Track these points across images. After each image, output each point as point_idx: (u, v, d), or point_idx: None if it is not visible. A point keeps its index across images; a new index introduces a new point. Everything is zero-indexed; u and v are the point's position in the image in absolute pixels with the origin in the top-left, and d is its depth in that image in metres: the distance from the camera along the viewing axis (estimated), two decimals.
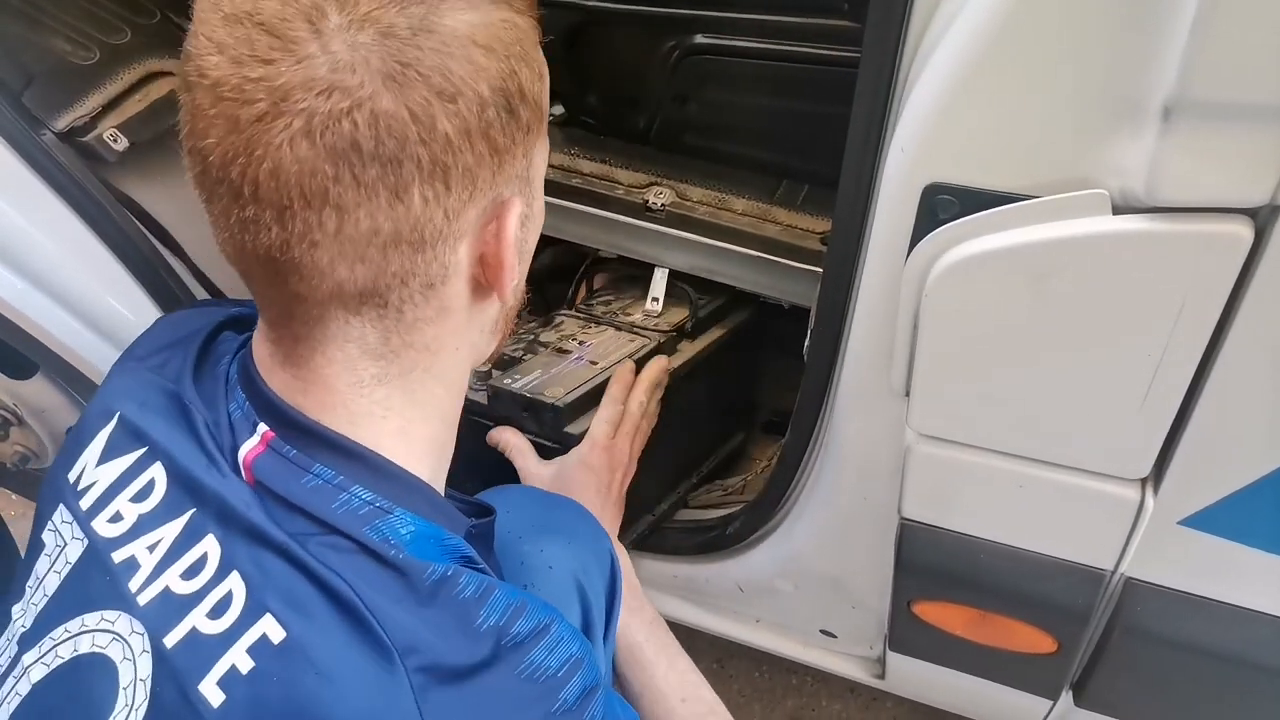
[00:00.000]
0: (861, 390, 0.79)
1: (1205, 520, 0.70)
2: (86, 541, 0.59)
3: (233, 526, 0.55)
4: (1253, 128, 0.51)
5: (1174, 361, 0.62)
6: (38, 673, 0.57)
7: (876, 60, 0.64)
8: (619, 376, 0.95)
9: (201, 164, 0.50)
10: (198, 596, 0.54)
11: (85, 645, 0.56)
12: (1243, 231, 0.55)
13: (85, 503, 0.60)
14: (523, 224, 0.58)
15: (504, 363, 1.00)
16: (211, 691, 0.51)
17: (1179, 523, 0.71)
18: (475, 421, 0.96)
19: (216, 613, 0.53)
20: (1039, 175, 0.59)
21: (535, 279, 1.36)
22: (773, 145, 1.01)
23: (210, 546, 0.55)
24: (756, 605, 1.11)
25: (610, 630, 0.83)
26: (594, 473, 0.90)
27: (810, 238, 1.00)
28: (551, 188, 1.07)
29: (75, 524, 0.60)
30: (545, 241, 1.20)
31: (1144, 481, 0.71)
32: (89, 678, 0.55)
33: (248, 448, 0.57)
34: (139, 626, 0.55)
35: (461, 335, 0.59)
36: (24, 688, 0.58)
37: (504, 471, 0.94)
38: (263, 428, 0.57)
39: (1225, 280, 0.57)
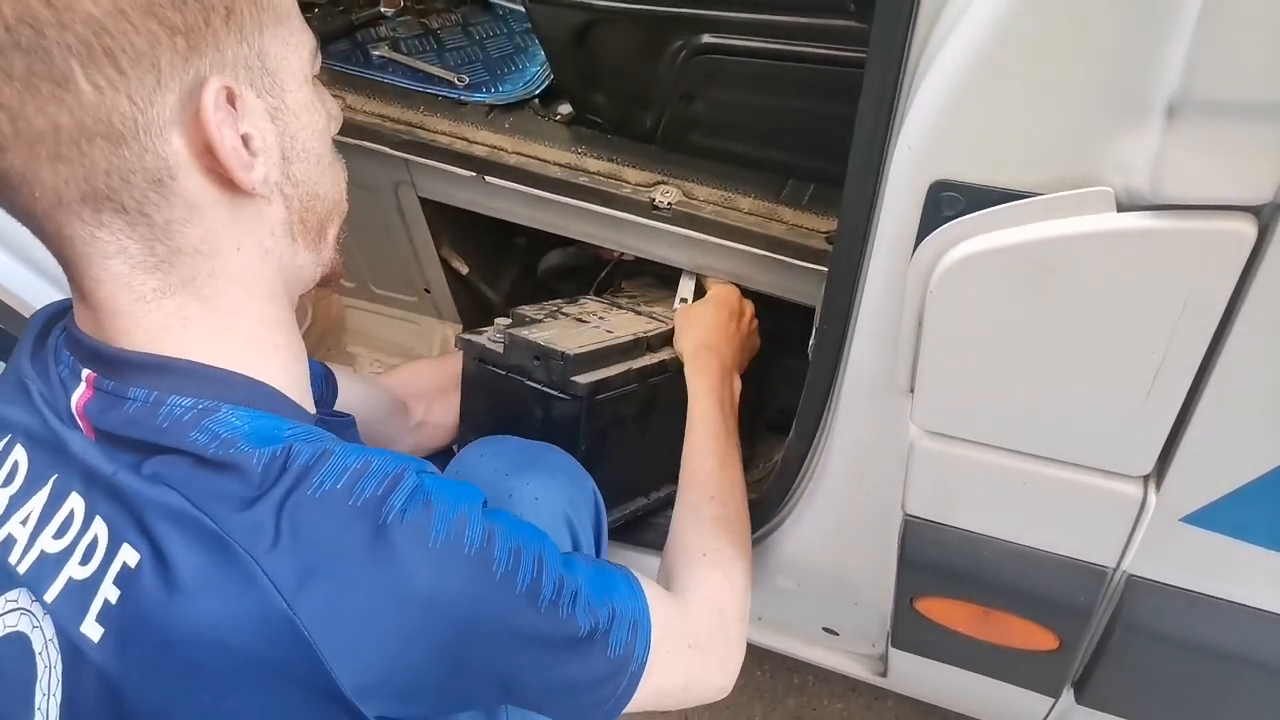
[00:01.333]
0: (866, 387, 0.80)
1: (1207, 517, 0.70)
2: None
3: (84, 477, 0.57)
4: (1257, 125, 0.51)
5: (1177, 358, 0.62)
6: None
7: (883, 59, 0.64)
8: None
9: None
10: (70, 549, 0.56)
11: None
12: (1246, 229, 0.55)
13: None
14: (272, 118, 0.56)
15: (525, 321, 1.05)
16: (91, 629, 0.54)
17: (1181, 520, 0.71)
18: (492, 371, 1.00)
19: (86, 558, 0.55)
20: (1044, 172, 0.59)
21: (543, 279, 1.39)
22: (779, 144, 1.01)
23: (75, 503, 0.57)
24: (759, 602, 1.11)
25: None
26: (722, 306, 1.05)
27: (816, 237, 1.00)
28: (558, 186, 1.08)
29: None
30: (555, 241, 1.22)
31: (1146, 478, 0.71)
32: (9, 656, 0.57)
33: (76, 397, 0.57)
34: (30, 596, 0.57)
35: (236, 233, 0.57)
36: None
37: (519, 423, 0.97)
38: (86, 372, 0.57)
39: (1228, 277, 0.58)
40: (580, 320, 1.07)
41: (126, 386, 0.56)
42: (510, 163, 1.09)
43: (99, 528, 0.55)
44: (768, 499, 0.98)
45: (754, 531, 1.01)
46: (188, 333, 0.57)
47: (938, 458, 0.76)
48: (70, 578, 0.55)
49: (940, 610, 0.88)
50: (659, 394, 1.04)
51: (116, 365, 0.57)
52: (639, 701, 0.66)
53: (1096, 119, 0.56)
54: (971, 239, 0.62)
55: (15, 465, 0.60)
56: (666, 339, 1.07)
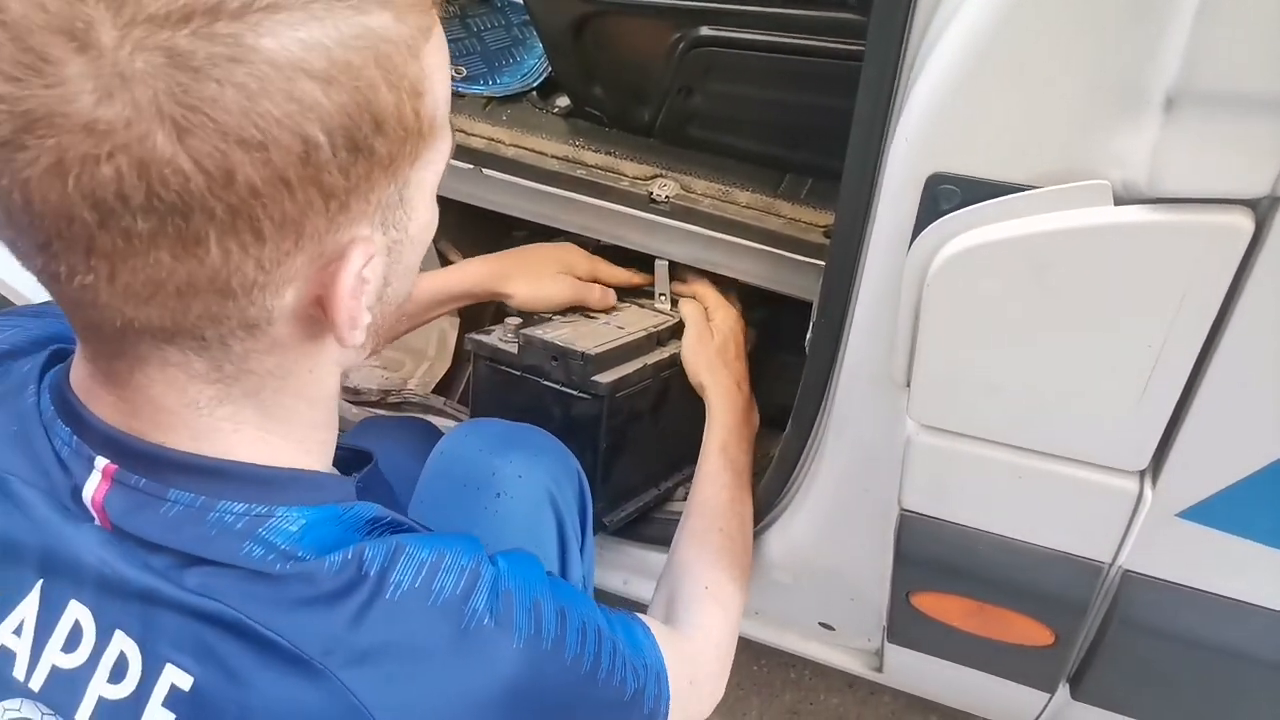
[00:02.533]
0: (863, 382, 0.79)
1: (1204, 513, 0.70)
2: None
3: (95, 584, 0.50)
4: (1255, 118, 0.51)
5: (1174, 353, 0.62)
6: None
7: (881, 52, 0.64)
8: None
9: None
10: (90, 666, 0.50)
11: None
12: (1243, 223, 0.55)
13: None
14: (389, 252, 0.50)
15: (532, 321, 1.04)
16: None
17: (1177, 515, 0.71)
18: (505, 372, 1.00)
19: (116, 677, 0.50)
20: (1041, 166, 0.59)
21: None
22: (777, 138, 1.01)
23: (78, 612, 0.51)
24: (755, 597, 1.11)
25: (585, 539, 0.87)
26: (715, 326, 1.07)
27: (814, 231, 1.00)
28: (556, 179, 1.08)
29: None
30: (551, 234, 1.21)
31: (1142, 473, 0.71)
32: None
33: (91, 487, 0.50)
34: (46, 708, 0.51)
35: (314, 360, 0.52)
36: None
37: (536, 424, 0.96)
38: (101, 461, 0.50)
39: (1225, 271, 0.58)
40: (588, 317, 1.07)
41: (166, 487, 0.49)
42: (508, 155, 1.09)
43: (123, 643, 0.50)
44: (764, 493, 0.98)
45: (753, 525, 1.02)
46: (238, 435, 0.51)
47: (934, 452, 0.76)
48: (101, 697, 0.50)
49: (936, 605, 0.88)
50: (670, 386, 1.05)
51: (153, 462, 0.50)
52: None
53: (1094, 112, 0.56)
54: (968, 232, 0.62)
55: None
56: (675, 331, 1.08)
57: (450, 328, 1.42)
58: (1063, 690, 0.93)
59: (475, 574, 0.54)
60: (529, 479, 0.79)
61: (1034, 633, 0.84)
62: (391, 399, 1.33)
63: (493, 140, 1.10)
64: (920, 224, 0.64)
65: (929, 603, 0.89)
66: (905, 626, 0.94)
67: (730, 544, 0.89)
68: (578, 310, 1.09)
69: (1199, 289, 0.59)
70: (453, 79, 1.14)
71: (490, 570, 0.55)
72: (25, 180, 0.39)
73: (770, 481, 0.97)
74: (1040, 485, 0.74)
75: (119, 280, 0.43)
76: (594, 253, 1.23)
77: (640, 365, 1.00)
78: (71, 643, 0.51)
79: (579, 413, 0.97)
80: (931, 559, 0.84)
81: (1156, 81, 0.52)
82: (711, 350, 1.05)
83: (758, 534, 1.02)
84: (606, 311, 1.09)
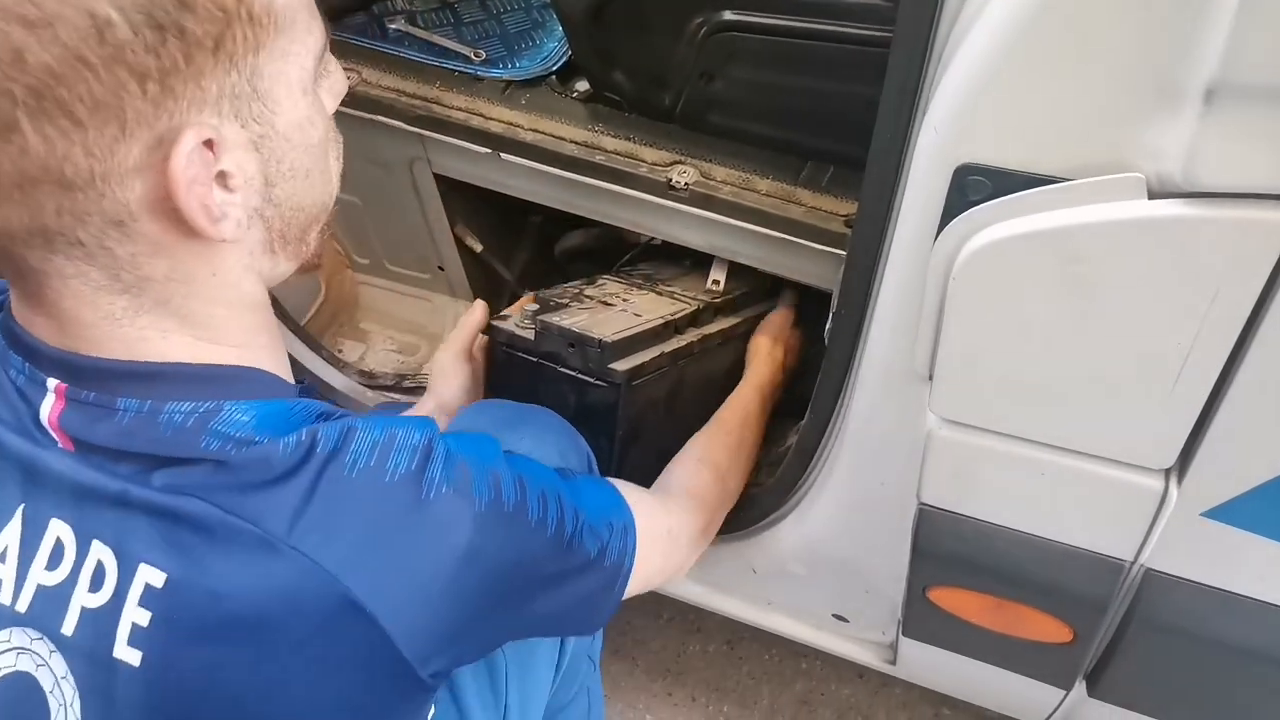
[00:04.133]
0: (883, 373, 0.79)
1: (1230, 513, 0.69)
2: None
3: (73, 498, 0.53)
4: None
5: (1205, 350, 0.61)
6: None
7: (909, 38, 0.63)
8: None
9: None
10: (71, 580, 0.53)
11: None
12: None
13: None
14: (257, 147, 0.50)
15: (551, 306, 1.04)
16: (125, 653, 0.52)
17: (1202, 514, 0.70)
18: (522, 358, 0.99)
19: (95, 585, 0.52)
20: (1073, 158, 0.58)
21: (560, 259, 1.38)
22: (799, 125, 1.00)
23: (59, 529, 0.53)
24: (769, 587, 1.11)
25: None
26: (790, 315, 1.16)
27: (834, 220, 0.99)
28: (574, 164, 1.07)
29: None
30: (570, 220, 1.21)
31: (1168, 472, 0.70)
32: (15, 698, 0.55)
33: (47, 409, 0.52)
34: (33, 632, 0.54)
35: (210, 263, 0.53)
36: None
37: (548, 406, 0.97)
38: (52, 382, 0.52)
39: (1261, 268, 0.56)
40: (606, 304, 1.06)
41: (113, 398, 0.52)
42: (526, 140, 1.08)
43: (100, 552, 0.52)
44: (780, 484, 0.98)
45: (766, 515, 1.01)
46: (168, 341, 0.53)
47: (955, 447, 0.75)
48: (83, 607, 0.53)
49: (953, 600, 0.88)
50: (686, 375, 1.05)
51: (95, 375, 0.52)
52: (627, 595, 0.71)
53: (1130, 103, 0.55)
54: (997, 224, 0.61)
55: None
56: (692, 319, 1.08)
57: (465, 310, 1.42)
58: (1079, 687, 0.92)
59: (428, 449, 0.55)
60: (539, 456, 0.79)
61: (1052, 630, 0.84)
62: (406, 383, 1.33)
63: (511, 124, 1.10)
64: (947, 215, 0.63)
65: (946, 598, 0.88)
66: (921, 621, 0.94)
67: (736, 440, 0.97)
68: (595, 296, 1.08)
69: (1233, 285, 0.58)
70: (472, 62, 1.14)
71: (443, 445, 0.57)
72: None
73: (787, 472, 0.96)
74: (1063, 482, 0.73)
75: None
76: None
77: (658, 353, 1.00)
78: (54, 560, 0.53)
79: (595, 400, 0.96)
80: (950, 554, 0.83)
81: (1196, 73, 0.51)
82: (782, 335, 1.13)
83: (773, 524, 1.01)
84: (624, 298, 1.08)
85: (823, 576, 1.04)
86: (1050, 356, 0.66)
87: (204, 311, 0.54)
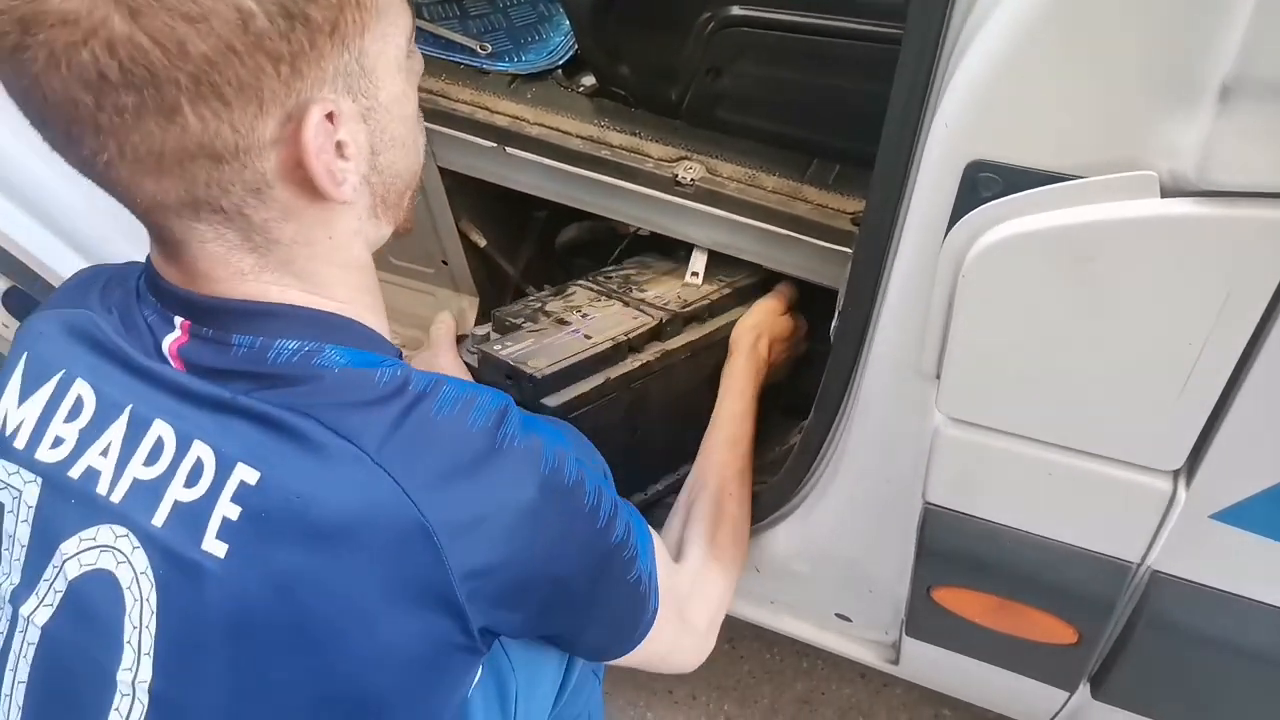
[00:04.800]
0: (890, 372, 0.78)
1: (1238, 515, 0.68)
2: (39, 479, 0.61)
3: (177, 402, 0.58)
4: None
5: (1216, 351, 0.60)
6: (42, 616, 0.60)
7: (920, 33, 0.62)
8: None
9: (6, 87, 0.52)
10: (169, 475, 0.57)
11: (74, 570, 0.59)
12: None
13: (20, 443, 0.62)
14: (364, 119, 0.57)
15: (504, 327, 1.02)
16: (213, 546, 0.56)
17: (1211, 517, 0.69)
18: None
19: (192, 480, 0.57)
20: (1086, 155, 0.57)
21: (560, 253, 1.37)
22: (806, 122, 0.99)
23: (161, 429, 0.58)
24: (772, 586, 1.10)
25: None
26: (783, 297, 1.09)
27: (841, 217, 0.98)
28: (580, 159, 1.06)
29: (20, 470, 0.62)
30: (575, 215, 1.20)
31: (1176, 473, 0.69)
32: (92, 596, 0.58)
33: (170, 340, 0.59)
34: (120, 529, 0.58)
35: (328, 227, 0.60)
36: (34, 635, 0.60)
37: None
38: (179, 319, 0.59)
39: (1275, 268, 0.56)
40: (561, 322, 1.02)
41: (229, 334, 0.58)
42: (532, 134, 1.08)
43: (201, 451, 0.57)
44: (784, 481, 0.97)
45: (769, 514, 1.01)
46: (287, 293, 0.60)
47: (962, 446, 0.74)
48: (176, 500, 0.57)
49: (958, 600, 0.87)
50: (648, 394, 1.01)
51: (215, 313, 0.58)
52: (633, 656, 0.74)
53: (1144, 100, 0.54)
54: (1008, 222, 0.60)
55: (79, 399, 0.61)
56: (654, 334, 1.02)
57: (469, 307, 1.41)
58: (1083, 689, 0.91)
59: (505, 412, 0.61)
60: None
61: (1057, 631, 0.83)
62: None
63: (517, 119, 1.09)
64: (957, 212, 0.63)
65: (950, 598, 0.87)
66: (925, 621, 0.93)
67: (741, 512, 0.94)
68: (553, 313, 1.04)
69: (1246, 285, 0.57)
70: (477, 55, 1.13)
71: (518, 414, 0.62)
72: (36, 76, 0.48)
73: (791, 469, 0.96)
74: (1070, 483, 0.72)
75: (127, 155, 0.51)
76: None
77: (601, 381, 0.96)
78: (153, 456, 0.58)
79: None
80: (955, 554, 0.83)
81: (1211, 71, 0.51)
82: (769, 303, 1.07)
83: (777, 522, 1.01)
84: (583, 315, 1.04)
85: (826, 575, 1.04)
86: (1059, 355, 0.65)
87: (319, 271, 0.61)
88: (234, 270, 0.58)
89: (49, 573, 0.60)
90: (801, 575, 1.05)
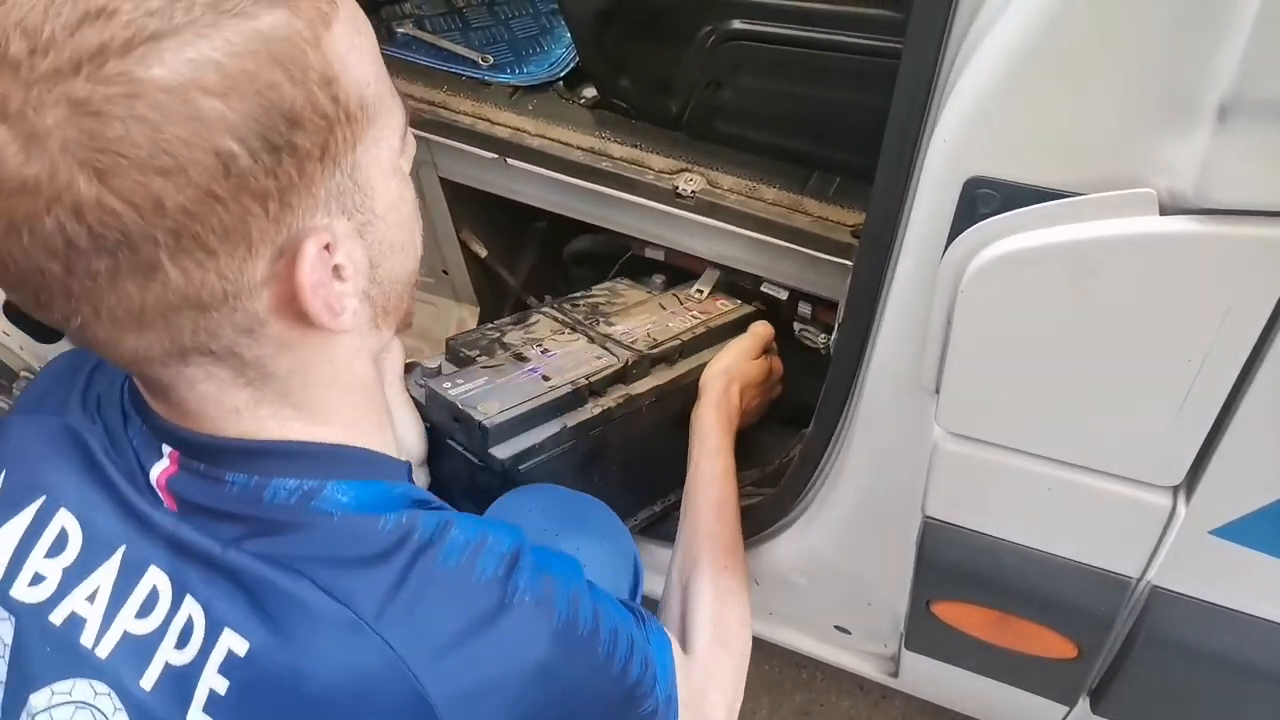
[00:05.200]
0: (889, 385, 0.78)
1: (1238, 531, 0.68)
2: (13, 617, 0.56)
3: (171, 551, 0.53)
4: None
5: (1215, 368, 0.60)
6: None
7: (919, 50, 0.62)
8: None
9: None
10: (161, 631, 0.53)
11: None
12: None
13: None
14: (361, 234, 0.52)
15: (459, 359, 0.95)
16: None
17: (1210, 533, 0.69)
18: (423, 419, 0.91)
19: (182, 641, 0.52)
20: (1085, 172, 0.57)
21: (564, 263, 1.38)
22: (806, 135, 1.00)
23: (156, 578, 0.53)
24: (771, 598, 1.10)
25: None
26: (759, 339, 1.03)
27: (841, 230, 0.99)
28: (580, 170, 1.07)
29: None
30: (575, 226, 1.20)
31: (1176, 489, 0.69)
32: None
33: (158, 469, 0.54)
34: (101, 686, 0.53)
35: (329, 352, 0.55)
36: None
37: (456, 478, 0.90)
38: (167, 448, 0.54)
39: (1274, 286, 0.56)
40: (520, 358, 0.95)
41: (223, 471, 0.53)
42: (533, 145, 1.08)
43: (191, 609, 0.52)
44: (783, 494, 0.97)
45: (769, 525, 1.01)
46: (286, 427, 0.55)
47: (961, 460, 0.74)
48: (167, 663, 0.52)
49: (957, 614, 0.87)
50: (609, 440, 0.94)
51: (208, 451, 0.54)
52: None
53: (1143, 118, 0.54)
54: (1007, 238, 0.60)
55: (64, 532, 0.55)
56: (618, 376, 0.96)
57: (470, 316, 1.42)
58: (1083, 704, 0.91)
59: (516, 558, 0.56)
60: (591, 567, 0.74)
61: (1057, 646, 0.83)
62: None
63: (518, 130, 1.09)
64: (956, 227, 0.63)
65: (950, 612, 0.87)
66: (924, 634, 0.93)
67: (738, 581, 0.86)
68: (512, 346, 0.97)
69: (1244, 302, 0.57)
70: (479, 67, 1.14)
71: (530, 557, 0.57)
72: None
73: (790, 481, 0.96)
74: (1070, 498, 0.72)
75: (103, 317, 0.46)
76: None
77: (558, 429, 0.88)
78: (147, 608, 0.53)
79: (483, 481, 0.87)
80: (954, 568, 0.83)
81: (1210, 89, 0.51)
82: (743, 344, 1.02)
83: (776, 534, 1.01)
84: (544, 350, 0.97)
85: (825, 588, 1.04)
86: (1058, 371, 0.65)
87: (319, 397, 0.55)
88: (228, 408, 0.53)
89: None
90: (800, 587, 1.04)
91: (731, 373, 0.97)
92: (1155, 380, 0.63)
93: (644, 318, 1.06)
